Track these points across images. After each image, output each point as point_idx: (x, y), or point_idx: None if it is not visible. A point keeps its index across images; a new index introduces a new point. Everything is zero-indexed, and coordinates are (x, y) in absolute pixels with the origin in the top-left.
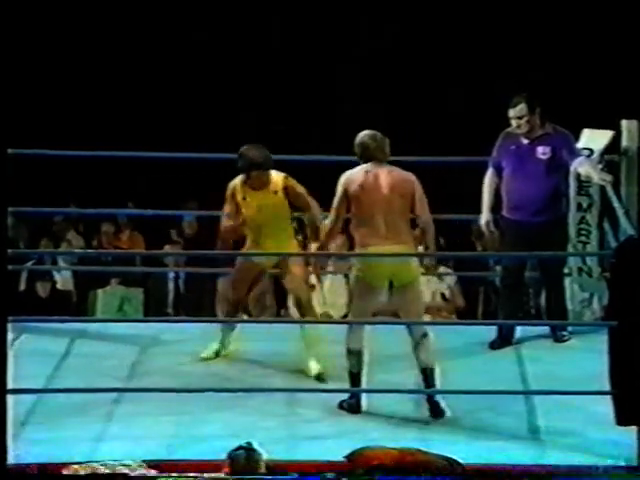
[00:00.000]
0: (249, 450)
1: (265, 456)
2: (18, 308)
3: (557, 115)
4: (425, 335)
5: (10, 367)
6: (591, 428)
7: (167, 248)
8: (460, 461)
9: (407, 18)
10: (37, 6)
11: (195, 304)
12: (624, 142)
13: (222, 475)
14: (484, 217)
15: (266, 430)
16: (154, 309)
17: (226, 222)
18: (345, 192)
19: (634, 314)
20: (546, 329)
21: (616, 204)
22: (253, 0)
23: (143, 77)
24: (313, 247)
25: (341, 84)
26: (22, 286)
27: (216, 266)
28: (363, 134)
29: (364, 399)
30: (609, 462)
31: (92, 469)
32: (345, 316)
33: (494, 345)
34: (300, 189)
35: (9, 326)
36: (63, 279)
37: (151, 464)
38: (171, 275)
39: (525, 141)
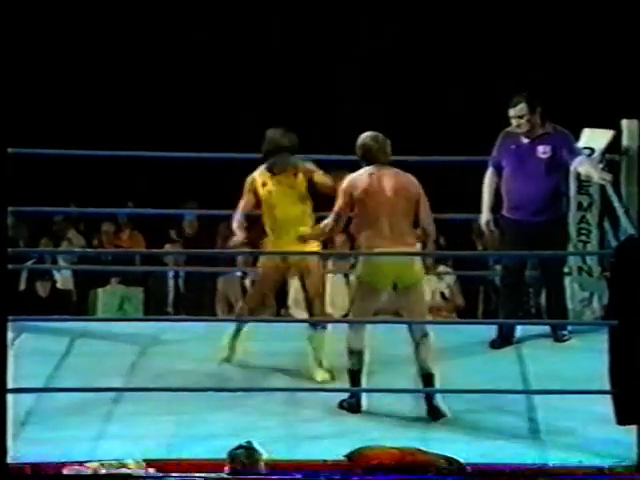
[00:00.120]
0: (249, 449)
1: (265, 455)
2: (18, 307)
3: (557, 115)
4: (426, 335)
5: (10, 367)
6: (591, 427)
7: (167, 247)
8: (460, 461)
9: (407, 18)
10: (37, 6)
11: (195, 303)
12: (624, 141)
13: (222, 475)
14: (484, 216)
15: (266, 429)
16: (154, 308)
17: (239, 217)
18: (349, 196)
19: (634, 313)
20: (546, 328)
21: (616, 203)
22: (253, 0)
23: (143, 77)
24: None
25: (341, 84)
26: (22, 285)
27: (216, 265)
28: (365, 136)
29: (364, 399)
30: (609, 462)
31: (92, 469)
32: (345, 315)
33: (494, 344)
34: (320, 174)
35: (9, 325)
36: (63, 278)
37: (151, 464)
38: (171, 274)
39: (525, 140)
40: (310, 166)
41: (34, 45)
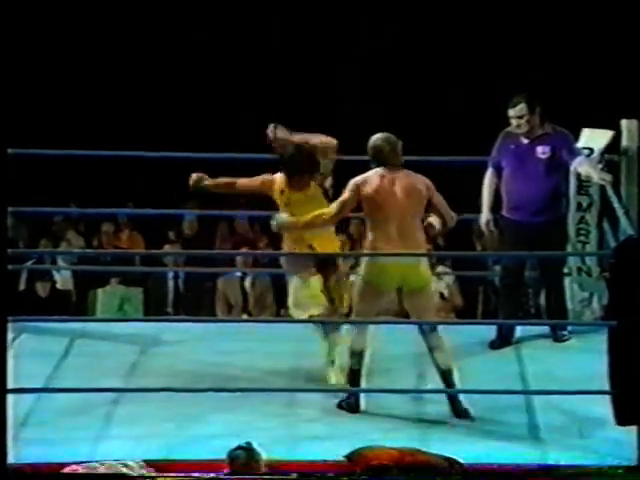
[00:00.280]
0: (249, 450)
1: (265, 456)
2: (18, 308)
3: (557, 115)
4: (439, 337)
5: (10, 367)
6: (591, 428)
7: (167, 248)
8: (460, 461)
9: (407, 18)
10: (37, 6)
11: (195, 304)
12: (624, 142)
13: (222, 475)
14: (484, 217)
15: (266, 430)
16: (154, 309)
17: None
18: (357, 192)
19: (633, 314)
20: (546, 329)
21: (616, 204)
22: (253, 0)
23: (143, 77)
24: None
25: (341, 84)
26: (22, 286)
27: (215, 266)
28: (376, 137)
29: (363, 399)
30: (609, 462)
31: (92, 469)
32: (347, 315)
33: (494, 345)
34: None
35: (9, 326)
36: (63, 279)
37: (151, 464)
38: (171, 275)
39: (525, 141)
40: (329, 184)
41: (34, 45)
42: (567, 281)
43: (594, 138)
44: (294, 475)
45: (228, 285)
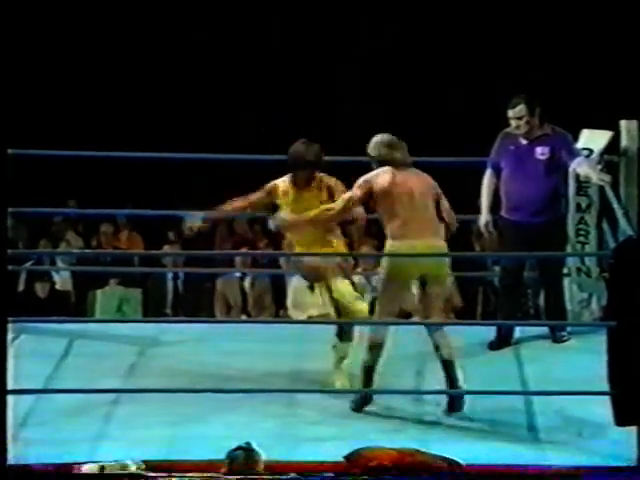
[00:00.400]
0: (248, 450)
1: (264, 456)
2: (17, 308)
3: (557, 116)
4: (445, 336)
5: (9, 367)
6: (590, 428)
7: (166, 248)
8: (459, 461)
9: (407, 18)
10: (37, 6)
11: (194, 304)
12: (623, 142)
13: (221, 475)
14: (483, 218)
15: (265, 430)
16: (153, 309)
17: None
18: (368, 188)
19: (633, 314)
20: (545, 329)
21: (615, 205)
22: (253, 0)
23: (143, 77)
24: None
25: (341, 84)
26: (21, 286)
27: (215, 266)
28: (381, 139)
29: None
30: (609, 462)
31: (91, 469)
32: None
33: (493, 346)
34: (343, 189)
35: (8, 326)
36: (62, 279)
37: (151, 464)
38: (170, 275)
39: (524, 142)
40: (335, 182)
41: (34, 45)
42: (566, 282)
43: (593, 139)
44: (293, 475)
45: (227, 286)
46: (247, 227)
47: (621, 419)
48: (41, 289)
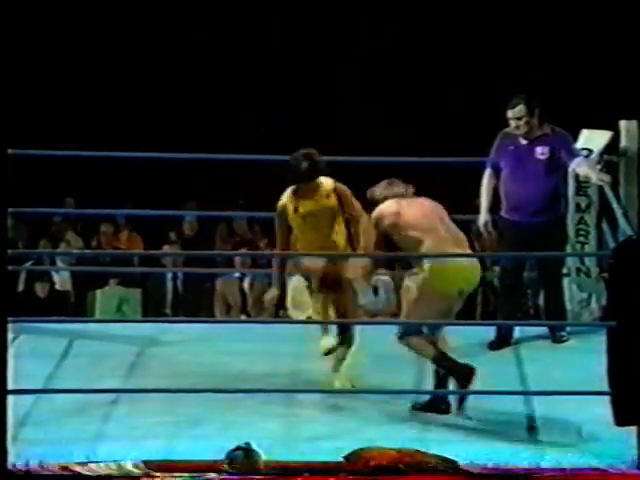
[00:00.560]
0: (248, 450)
1: (264, 456)
2: (17, 308)
3: (556, 116)
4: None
5: (10, 367)
6: (590, 428)
7: (165, 248)
8: (459, 461)
9: (407, 18)
10: (37, 6)
11: (193, 304)
12: (623, 142)
13: (221, 476)
14: (482, 217)
15: (265, 431)
16: (152, 309)
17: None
18: (382, 226)
19: (632, 314)
20: (545, 329)
21: (615, 205)
22: (253, 0)
23: (143, 77)
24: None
25: (341, 84)
26: (21, 286)
27: (214, 267)
28: (383, 186)
29: (363, 399)
30: (608, 462)
31: (91, 469)
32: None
33: (493, 346)
34: (348, 192)
35: (8, 326)
36: (61, 280)
37: (150, 464)
38: (169, 275)
39: (524, 142)
40: (337, 184)
41: (34, 45)
42: (566, 282)
43: (593, 139)
44: (293, 475)
45: (227, 286)
46: (247, 227)
47: (621, 419)
48: (41, 289)
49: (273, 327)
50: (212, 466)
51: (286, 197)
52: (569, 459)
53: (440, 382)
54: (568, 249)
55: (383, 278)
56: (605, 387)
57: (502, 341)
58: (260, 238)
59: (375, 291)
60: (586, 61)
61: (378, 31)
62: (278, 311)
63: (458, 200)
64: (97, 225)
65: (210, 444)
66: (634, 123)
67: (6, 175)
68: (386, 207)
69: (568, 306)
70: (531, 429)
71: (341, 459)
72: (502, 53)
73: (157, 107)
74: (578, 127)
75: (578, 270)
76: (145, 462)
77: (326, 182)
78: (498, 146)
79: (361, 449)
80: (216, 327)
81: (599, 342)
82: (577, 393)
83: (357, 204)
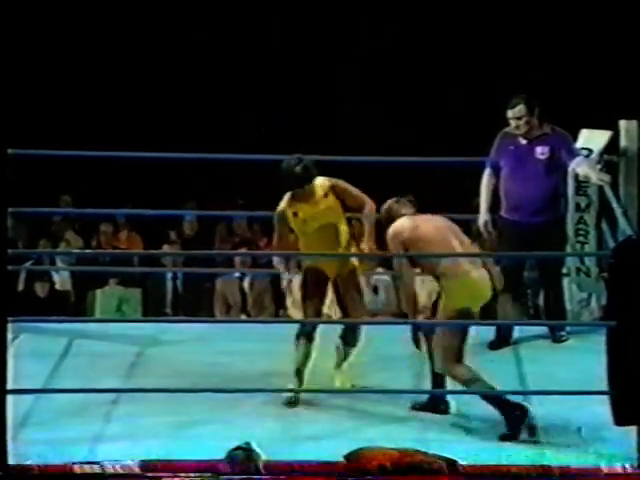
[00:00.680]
0: (247, 450)
1: (263, 456)
2: (17, 308)
3: (556, 115)
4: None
5: (9, 367)
6: (590, 428)
7: (165, 248)
8: (459, 461)
9: (407, 18)
10: (37, 6)
11: (193, 304)
12: (622, 142)
13: (221, 476)
14: (482, 217)
15: (265, 430)
16: (152, 309)
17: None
18: (401, 243)
19: (632, 314)
20: (544, 329)
21: (614, 204)
22: (253, 0)
23: (143, 77)
24: (365, 248)
25: (341, 84)
26: (21, 286)
27: (214, 266)
28: (392, 203)
29: (363, 399)
30: (608, 462)
31: (91, 469)
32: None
33: (492, 345)
34: (346, 184)
35: (8, 326)
36: (61, 279)
37: (150, 464)
38: (169, 275)
39: (523, 141)
40: (331, 180)
41: (34, 45)
42: (566, 281)
43: (593, 139)
44: (293, 475)
45: (227, 285)
46: (246, 227)
47: (620, 419)
48: (41, 289)
49: (273, 327)
50: (212, 466)
51: (285, 203)
52: (569, 459)
53: (439, 382)
54: (568, 249)
55: (383, 278)
56: (605, 387)
57: (502, 341)
58: (260, 238)
59: (375, 291)
60: (586, 61)
61: (378, 31)
62: (278, 311)
63: (458, 200)
64: (97, 225)
65: (210, 444)
66: (634, 123)
67: (6, 175)
68: (404, 221)
69: (568, 306)
70: (531, 429)
71: (341, 459)
72: (502, 53)
73: (157, 107)
74: (578, 127)
75: (578, 270)
76: (145, 462)
77: (322, 182)
78: (498, 146)
79: (361, 449)
80: (216, 327)
81: (599, 342)
82: (577, 393)
83: (356, 191)
